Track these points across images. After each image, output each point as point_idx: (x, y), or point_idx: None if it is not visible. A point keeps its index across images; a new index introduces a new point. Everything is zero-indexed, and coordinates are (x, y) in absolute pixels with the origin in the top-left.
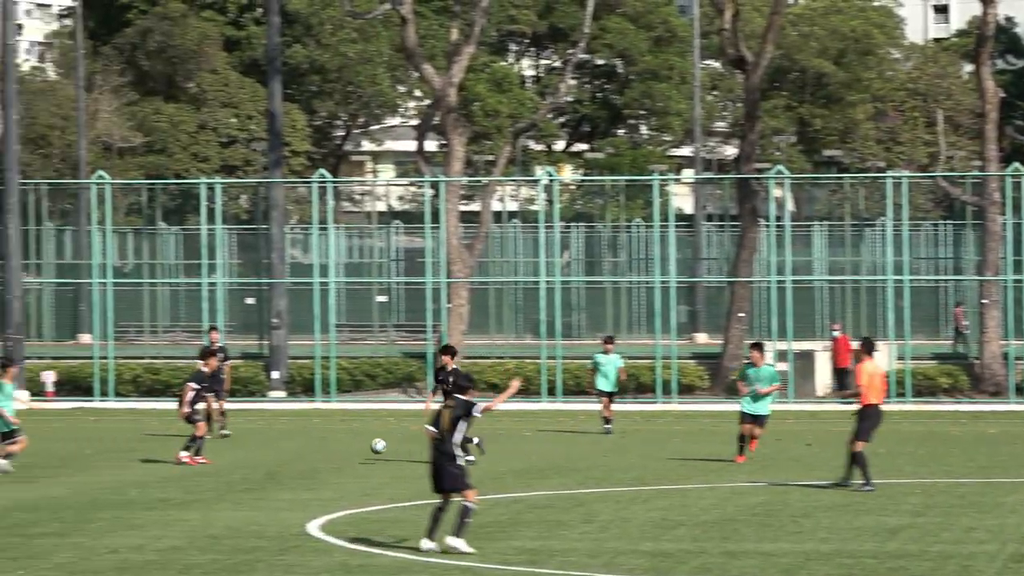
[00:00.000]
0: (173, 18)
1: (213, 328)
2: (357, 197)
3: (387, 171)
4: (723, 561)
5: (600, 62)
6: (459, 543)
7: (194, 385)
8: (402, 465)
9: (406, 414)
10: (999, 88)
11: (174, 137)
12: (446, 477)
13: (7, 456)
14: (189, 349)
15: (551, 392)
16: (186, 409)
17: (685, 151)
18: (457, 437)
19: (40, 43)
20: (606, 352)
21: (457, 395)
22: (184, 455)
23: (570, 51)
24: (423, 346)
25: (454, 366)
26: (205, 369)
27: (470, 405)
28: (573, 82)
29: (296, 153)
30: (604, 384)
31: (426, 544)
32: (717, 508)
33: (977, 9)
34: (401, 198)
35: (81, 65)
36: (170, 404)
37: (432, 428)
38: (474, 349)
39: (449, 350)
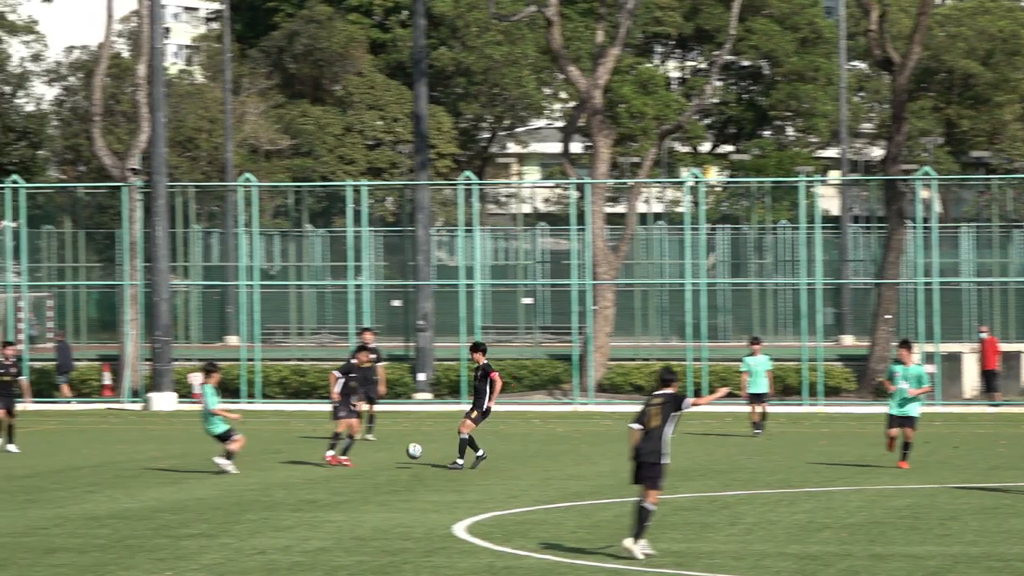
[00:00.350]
0: (320, 21)
1: (367, 330)
2: (503, 199)
3: (532, 173)
4: (870, 564)
5: (746, 63)
6: (634, 544)
7: (337, 373)
8: (548, 467)
9: (552, 416)
10: None
11: (320, 139)
12: (645, 471)
13: (228, 456)
14: (335, 351)
15: (697, 394)
16: (336, 394)
17: (831, 153)
18: (667, 432)
19: (188, 47)
20: (753, 354)
21: (665, 390)
22: (330, 454)
23: (716, 52)
24: (569, 348)
25: (484, 361)
26: (354, 361)
27: (679, 400)
28: (719, 84)
29: (442, 155)
30: (753, 386)
31: (628, 543)
32: (863, 511)
33: None
34: (546, 200)
35: (228, 68)
36: (316, 406)
37: (637, 425)
38: (619, 351)
39: (479, 347)
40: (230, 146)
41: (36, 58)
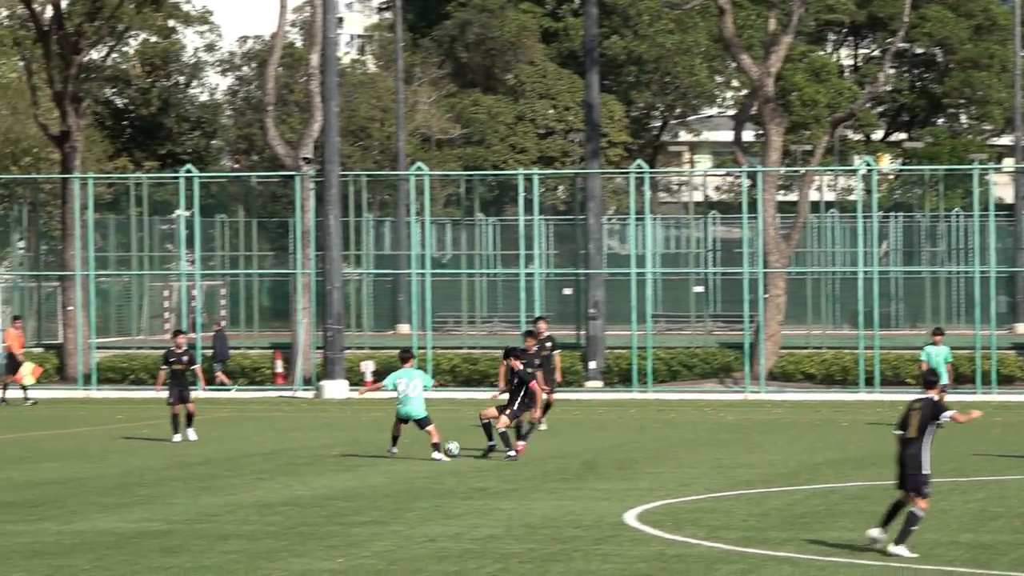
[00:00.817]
0: (491, 10)
1: (541, 319)
2: (674, 187)
3: (704, 161)
4: None
5: (919, 51)
6: (901, 550)
7: (518, 364)
8: (719, 455)
9: (723, 404)
10: None
11: (492, 128)
12: (908, 479)
13: (435, 445)
14: (506, 339)
15: (868, 383)
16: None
17: (1005, 140)
18: (925, 442)
19: (360, 36)
20: (935, 344)
21: (927, 395)
22: (521, 444)
23: (889, 40)
24: (740, 336)
25: (535, 347)
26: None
27: (938, 410)
28: (892, 71)
29: (613, 144)
30: None
31: (873, 533)
32: None
33: None
34: (718, 188)
35: (400, 58)
36: (487, 394)
37: (899, 431)
38: (791, 339)
39: (532, 334)
40: (402, 135)
41: (210, 48)
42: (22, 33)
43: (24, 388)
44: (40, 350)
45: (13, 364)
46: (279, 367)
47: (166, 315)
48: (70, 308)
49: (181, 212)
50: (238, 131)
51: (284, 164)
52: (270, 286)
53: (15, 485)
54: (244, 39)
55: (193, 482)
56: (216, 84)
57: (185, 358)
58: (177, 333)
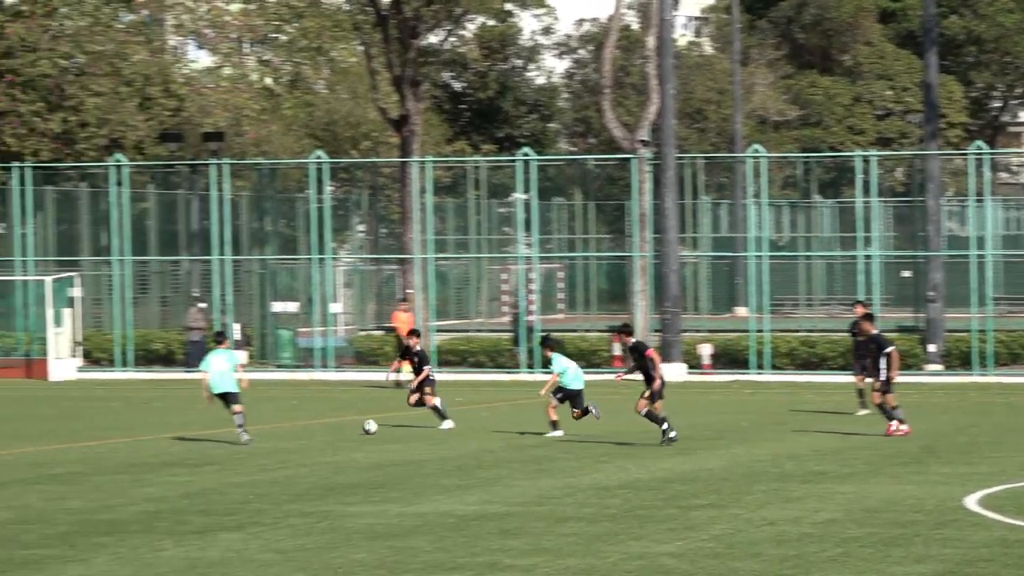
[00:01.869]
0: None
1: (860, 303)
2: (1014, 168)
3: None
4: None
5: None
6: None
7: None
8: None
9: None
10: None
11: (829, 110)
12: None
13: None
14: (844, 322)
15: None
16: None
17: None
18: None
19: (697, 18)
20: None
21: None
22: (893, 426)
23: None
24: None
25: (634, 340)
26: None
27: None
28: None
29: (952, 125)
30: None
31: None
32: None
33: None
34: None
35: (737, 39)
36: (825, 377)
37: None
38: None
39: (625, 328)
40: (739, 117)
41: (547, 31)
42: (361, 18)
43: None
44: (380, 333)
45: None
46: (616, 350)
47: (503, 298)
48: (410, 291)
49: (519, 195)
50: (575, 114)
51: (621, 147)
52: (607, 269)
53: (359, 467)
54: (581, 22)
55: (531, 464)
56: (553, 67)
57: (415, 358)
58: (411, 333)
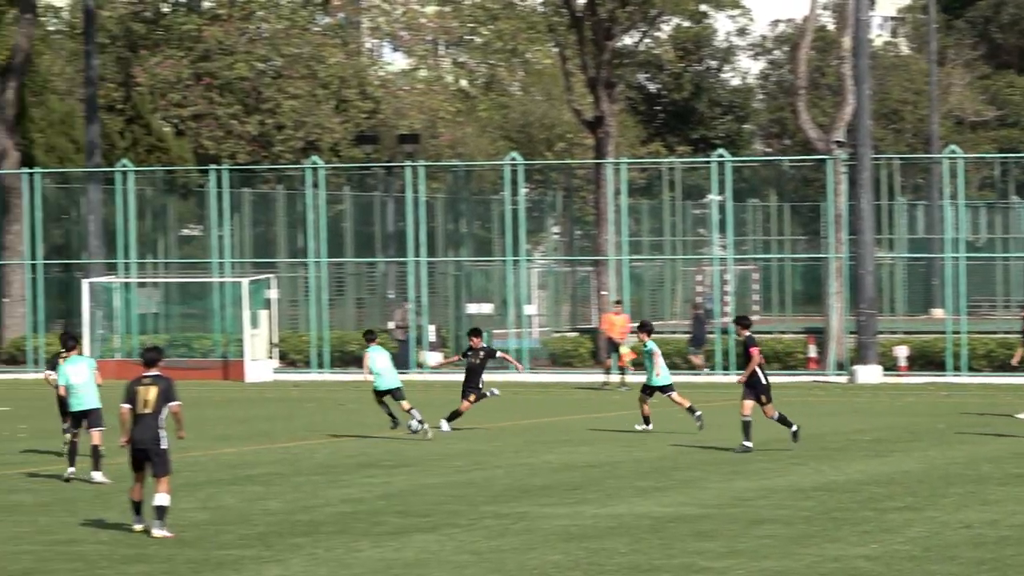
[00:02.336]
0: None
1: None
2: None
3: None
4: None
5: None
6: None
7: None
8: None
9: None
10: None
11: None
12: None
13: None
14: None
15: None
16: None
17: None
18: None
19: (893, 18)
20: None
21: None
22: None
23: None
24: None
25: (747, 334)
26: None
27: None
28: None
29: None
30: None
31: None
32: None
33: None
34: None
35: (933, 39)
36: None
37: None
38: None
39: (741, 320)
40: (935, 118)
41: (742, 32)
42: (556, 19)
43: (622, 372)
44: (574, 334)
45: (614, 347)
46: (812, 352)
47: (698, 300)
48: (604, 293)
49: (713, 196)
50: (770, 115)
51: (816, 148)
52: (802, 270)
53: (553, 468)
54: (776, 23)
55: (726, 466)
56: (748, 68)
57: (475, 360)
58: (473, 333)
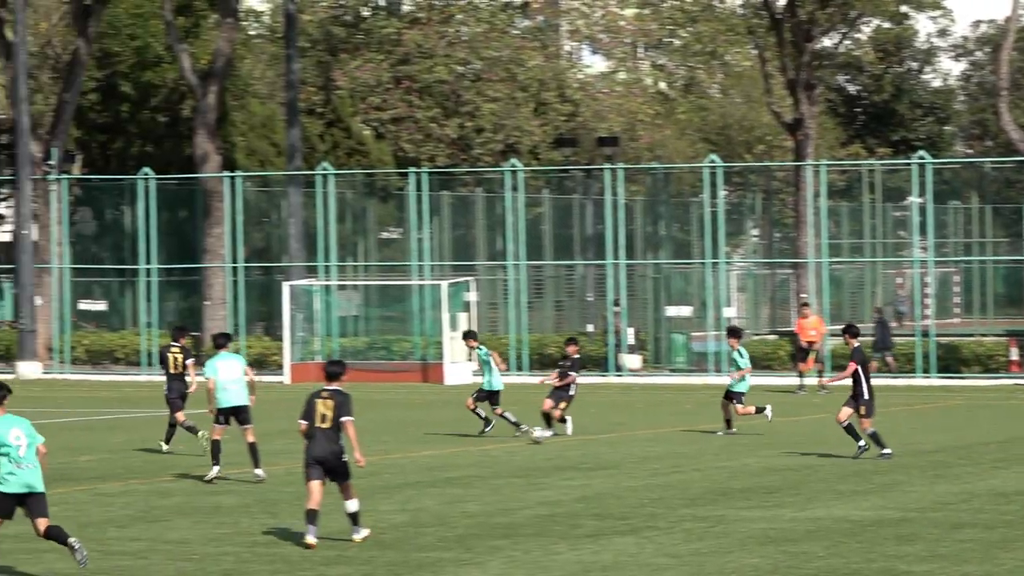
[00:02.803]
0: None
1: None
2: None
3: None
4: None
5: None
6: None
7: None
8: None
9: None
10: None
11: None
12: None
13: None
14: None
15: None
16: None
17: None
18: None
19: None
20: None
21: None
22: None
23: None
24: None
25: (857, 344)
26: None
27: None
28: None
29: None
30: None
31: None
32: None
33: None
34: None
35: None
36: None
37: None
38: None
39: (849, 329)
40: None
41: (943, 33)
42: (755, 21)
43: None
44: (774, 337)
45: (803, 352)
46: (1013, 355)
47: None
48: (803, 295)
49: (914, 199)
50: (971, 116)
51: (1018, 149)
52: (1004, 273)
53: (752, 471)
54: (977, 23)
55: (929, 470)
56: (949, 69)
57: (564, 367)
58: (569, 341)
